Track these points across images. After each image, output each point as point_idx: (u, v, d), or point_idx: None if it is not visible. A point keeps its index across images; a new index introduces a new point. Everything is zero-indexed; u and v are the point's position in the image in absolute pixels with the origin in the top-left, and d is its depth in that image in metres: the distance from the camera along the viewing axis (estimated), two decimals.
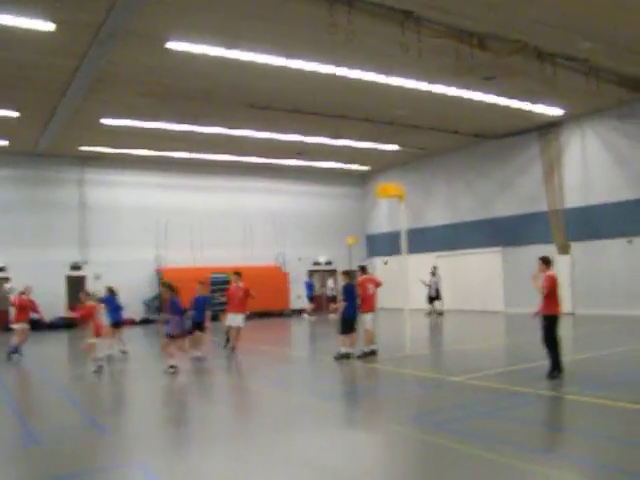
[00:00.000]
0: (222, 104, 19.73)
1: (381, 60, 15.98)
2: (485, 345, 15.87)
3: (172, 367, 12.34)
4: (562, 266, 23.08)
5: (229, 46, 14.70)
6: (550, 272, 10.34)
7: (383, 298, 30.07)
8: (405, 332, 13.82)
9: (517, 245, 24.51)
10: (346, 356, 13.44)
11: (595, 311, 21.87)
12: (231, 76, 17.14)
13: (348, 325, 13.61)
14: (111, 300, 15.56)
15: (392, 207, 32.92)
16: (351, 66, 16.34)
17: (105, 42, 14.00)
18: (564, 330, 18.26)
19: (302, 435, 7.49)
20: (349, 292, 13.80)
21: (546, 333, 10.16)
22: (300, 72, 16.60)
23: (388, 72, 16.79)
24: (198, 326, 14.42)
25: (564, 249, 23.27)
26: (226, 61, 15.57)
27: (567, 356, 10.70)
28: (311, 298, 27.80)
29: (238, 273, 15.50)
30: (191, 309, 14.27)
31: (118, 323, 15.64)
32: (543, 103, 20.55)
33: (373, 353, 13.73)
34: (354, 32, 12.70)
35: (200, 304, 14.61)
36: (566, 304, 22.70)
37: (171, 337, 12.55)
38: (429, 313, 25.25)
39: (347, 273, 14.37)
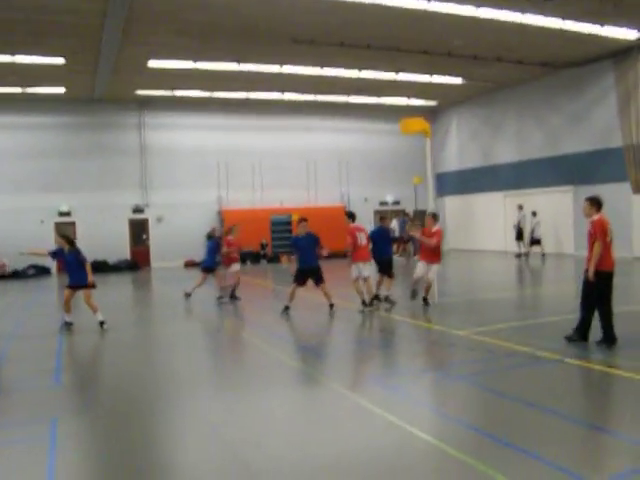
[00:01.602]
0: (264, 40, 18.98)
1: None
2: (526, 292, 14.80)
3: (68, 323, 11.64)
4: (638, 206, 21.29)
5: None
6: (598, 216, 8.37)
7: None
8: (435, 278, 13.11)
9: (589, 184, 22.59)
10: (375, 298, 13.10)
11: None
12: (267, 10, 16.40)
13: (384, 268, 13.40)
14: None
15: (462, 145, 31.45)
16: None
17: None
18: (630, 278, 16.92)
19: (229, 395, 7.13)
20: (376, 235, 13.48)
21: (594, 291, 8.29)
22: (340, 3, 15.71)
23: None
24: (310, 272, 12.46)
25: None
26: None
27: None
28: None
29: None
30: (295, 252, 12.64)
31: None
32: (614, 25, 18.46)
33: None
34: None
35: (303, 245, 12.38)
36: None
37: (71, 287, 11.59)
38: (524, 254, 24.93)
39: (382, 218, 13.99)
